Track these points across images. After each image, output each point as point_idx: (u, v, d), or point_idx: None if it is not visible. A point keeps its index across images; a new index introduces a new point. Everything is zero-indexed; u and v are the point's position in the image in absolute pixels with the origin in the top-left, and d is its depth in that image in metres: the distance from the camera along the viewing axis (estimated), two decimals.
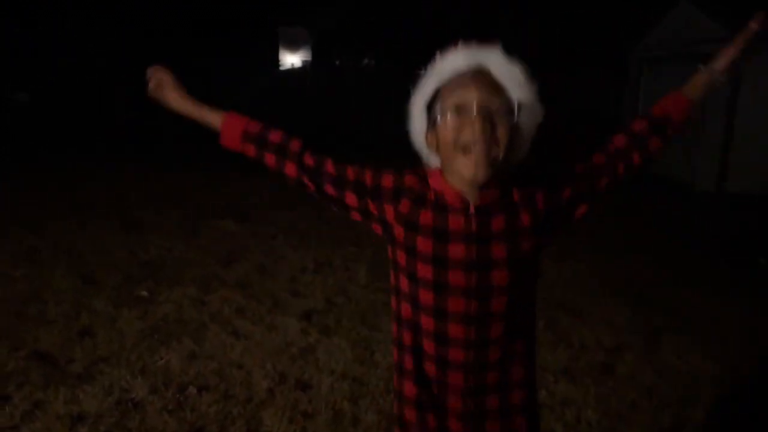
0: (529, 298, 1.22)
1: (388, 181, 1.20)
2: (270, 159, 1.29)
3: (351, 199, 1.22)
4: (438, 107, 1.09)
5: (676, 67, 9.52)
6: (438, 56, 1.12)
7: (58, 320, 3.38)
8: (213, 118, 1.34)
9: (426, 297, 1.16)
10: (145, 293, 3.83)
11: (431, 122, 1.12)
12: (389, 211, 1.19)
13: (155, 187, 7.00)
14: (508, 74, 1.07)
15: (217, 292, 3.90)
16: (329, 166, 1.23)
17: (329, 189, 1.23)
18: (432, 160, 1.17)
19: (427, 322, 1.18)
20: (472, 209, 1.12)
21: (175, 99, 1.37)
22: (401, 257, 1.19)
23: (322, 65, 20.03)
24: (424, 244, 1.14)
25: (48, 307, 3.55)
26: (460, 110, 1.05)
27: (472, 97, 1.04)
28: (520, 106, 1.06)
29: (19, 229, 5.03)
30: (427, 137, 1.14)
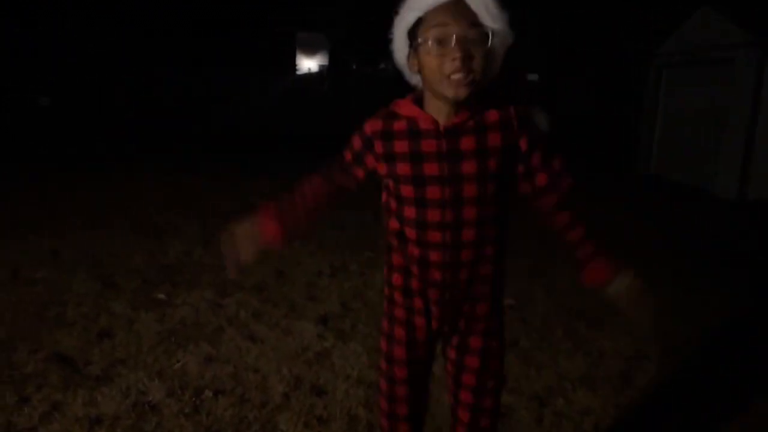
0: (498, 210, 1.41)
1: (356, 142, 1.42)
2: (322, 206, 1.54)
3: (365, 166, 1.44)
4: (420, 35, 1.24)
5: (696, 71, 9.41)
6: None
7: (78, 322, 3.41)
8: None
9: (410, 212, 1.39)
10: (162, 296, 3.86)
11: (413, 48, 1.27)
12: (372, 157, 1.40)
13: (173, 191, 7.06)
14: (482, 4, 1.21)
15: (233, 295, 3.92)
16: (346, 158, 1.45)
17: (359, 173, 1.46)
18: (413, 79, 1.36)
19: (410, 232, 1.41)
20: (441, 129, 1.30)
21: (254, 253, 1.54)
22: (390, 185, 1.42)
23: (339, 70, 20.11)
24: (402, 168, 1.35)
25: (68, 309, 3.59)
26: (441, 42, 1.20)
27: (452, 31, 1.19)
28: (492, 33, 1.21)
29: (39, 232, 5.10)
30: (409, 60, 1.31)
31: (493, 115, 1.31)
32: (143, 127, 13.05)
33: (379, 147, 1.37)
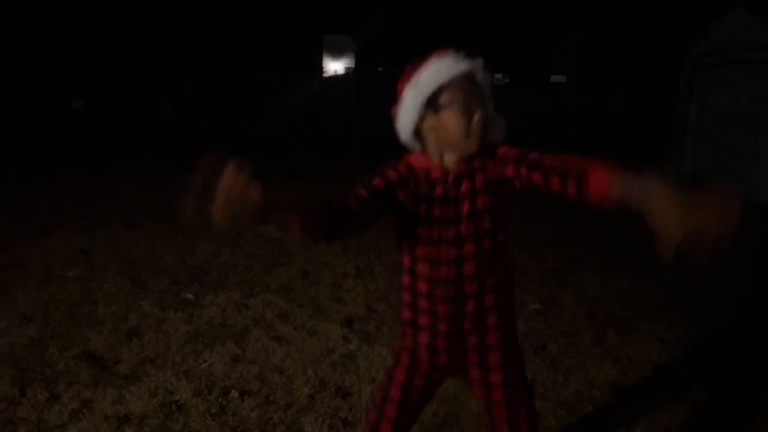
0: (491, 242, 1.55)
1: (392, 175, 1.53)
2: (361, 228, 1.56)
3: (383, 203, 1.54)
4: (444, 100, 1.46)
5: (729, 72, 9.20)
6: (434, 59, 1.48)
7: (108, 321, 3.47)
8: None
9: (422, 251, 1.56)
10: (191, 296, 3.90)
11: (433, 111, 1.47)
12: (400, 194, 1.52)
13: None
14: (485, 80, 1.49)
15: (260, 296, 3.94)
16: (361, 193, 1.51)
17: (375, 207, 1.53)
18: (416, 145, 1.54)
19: (422, 269, 1.57)
20: (450, 179, 1.51)
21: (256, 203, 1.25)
22: (404, 223, 1.56)
23: (365, 72, 20.16)
24: (422, 207, 1.52)
25: (98, 308, 3.65)
26: (466, 105, 1.44)
27: (465, 96, 1.45)
28: (487, 100, 1.49)
29: (72, 232, 5.21)
30: (423, 123, 1.50)
31: (477, 161, 1.52)
32: (173, 128, 13.24)
33: (401, 192, 1.52)
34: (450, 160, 1.52)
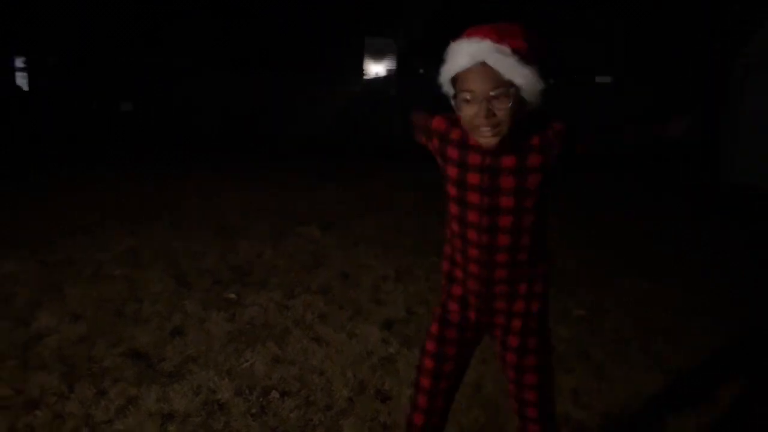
0: (535, 219, 1.56)
1: (436, 123, 1.63)
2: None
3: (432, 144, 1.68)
4: (456, 90, 1.46)
5: None
6: (452, 45, 1.46)
7: (153, 320, 3.54)
8: None
9: (453, 209, 1.62)
10: (233, 296, 3.95)
11: (453, 95, 1.48)
12: (435, 144, 1.66)
13: (246, 194, 7.25)
14: (505, 65, 1.37)
15: (300, 297, 3.96)
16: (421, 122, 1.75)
17: (422, 139, 1.75)
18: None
19: (454, 226, 1.63)
20: (487, 151, 1.50)
21: None
22: (444, 179, 1.64)
23: (407, 74, 20.15)
24: (451, 171, 1.59)
25: (143, 306, 3.73)
26: (469, 100, 1.42)
27: (477, 92, 1.40)
28: (514, 85, 1.39)
29: (120, 231, 5.35)
30: (453, 103, 1.50)
31: (534, 140, 1.49)
32: (218, 132, 13.50)
33: (436, 143, 1.63)
34: None
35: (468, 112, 1.43)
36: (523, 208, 1.53)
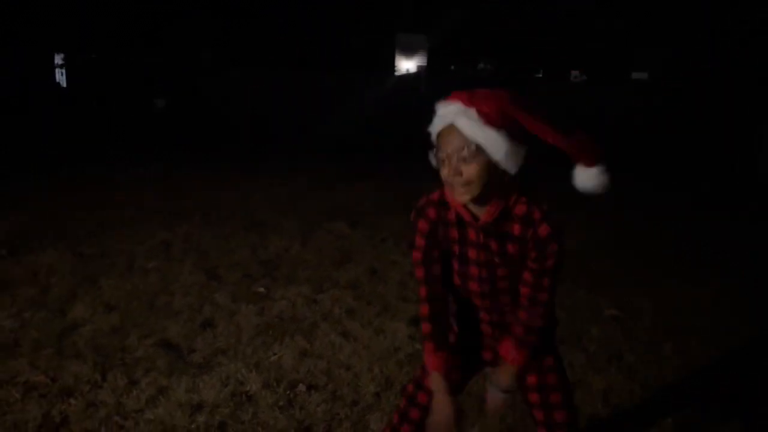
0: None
1: (424, 225, 1.62)
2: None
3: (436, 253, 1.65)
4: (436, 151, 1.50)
5: None
6: (436, 107, 1.50)
7: (183, 312, 3.60)
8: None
9: (456, 281, 1.66)
10: (262, 290, 3.99)
11: (435, 156, 1.51)
12: (441, 234, 1.63)
13: (276, 190, 7.31)
14: (466, 125, 1.41)
15: (328, 292, 3.98)
16: (425, 251, 1.65)
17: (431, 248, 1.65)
18: None
19: (454, 300, 1.72)
20: (479, 225, 1.54)
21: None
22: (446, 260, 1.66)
23: (437, 70, 20.06)
24: (453, 248, 1.61)
25: (175, 299, 3.79)
26: (443, 159, 1.47)
27: (447, 150, 1.45)
28: (482, 147, 1.41)
29: (152, 225, 5.45)
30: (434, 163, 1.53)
31: (515, 228, 1.52)
32: (250, 128, 13.63)
33: (441, 232, 1.61)
34: (474, 205, 1.53)
35: (443, 171, 1.48)
36: (516, 273, 1.58)
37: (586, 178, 1.48)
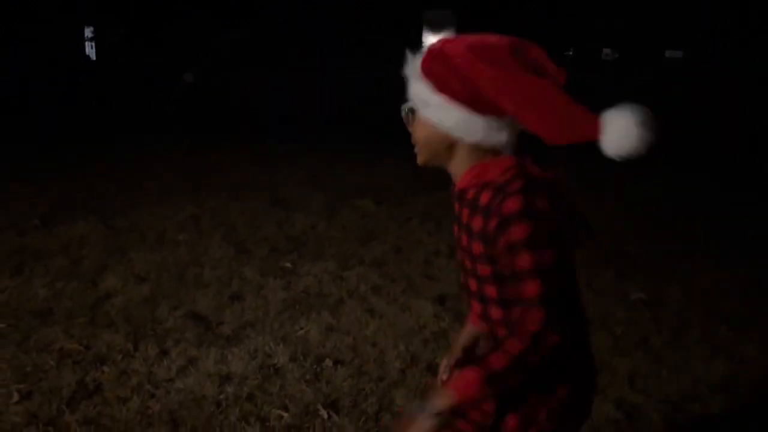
0: (495, 296, 1.21)
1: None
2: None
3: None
4: None
5: None
6: None
7: (212, 284, 3.66)
8: None
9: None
10: (289, 265, 4.03)
11: None
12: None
13: (301, 167, 7.33)
14: (409, 77, 1.22)
15: (354, 269, 4.00)
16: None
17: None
18: None
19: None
20: (456, 191, 1.26)
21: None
22: None
23: None
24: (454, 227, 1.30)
25: (204, 271, 3.85)
26: None
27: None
28: (414, 108, 1.23)
29: (181, 199, 5.52)
30: None
31: (483, 198, 1.16)
32: (277, 107, 13.65)
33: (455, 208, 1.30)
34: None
35: None
36: (481, 275, 1.20)
37: (619, 135, 1.05)
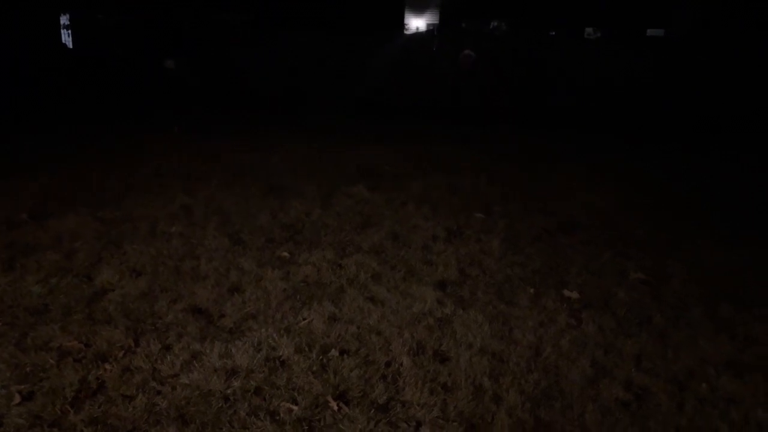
0: None
1: None
2: None
3: None
4: None
5: None
6: None
7: (210, 276, 3.60)
8: None
9: None
10: (286, 254, 3.97)
11: None
12: None
13: (293, 154, 7.25)
14: None
15: (352, 256, 3.96)
16: None
17: None
18: None
19: None
20: None
21: None
22: None
23: (449, 28, 19.64)
24: None
25: (201, 263, 3.79)
26: None
27: None
28: None
29: (172, 189, 5.42)
30: None
31: None
32: (260, 92, 13.45)
33: None
34: None
35: None
36: None
37: None
